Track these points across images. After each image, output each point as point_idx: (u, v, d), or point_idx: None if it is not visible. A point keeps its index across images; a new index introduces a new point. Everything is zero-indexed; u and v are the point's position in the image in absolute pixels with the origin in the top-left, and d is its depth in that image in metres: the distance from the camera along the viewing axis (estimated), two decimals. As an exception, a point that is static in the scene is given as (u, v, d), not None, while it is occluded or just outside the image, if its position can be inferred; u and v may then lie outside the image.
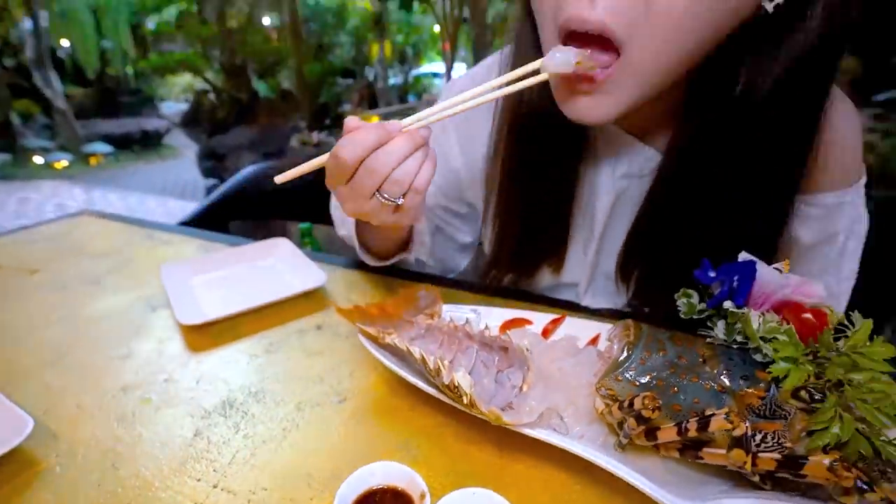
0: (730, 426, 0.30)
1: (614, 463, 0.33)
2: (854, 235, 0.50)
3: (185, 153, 7.96)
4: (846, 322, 0.33)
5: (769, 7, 0.35)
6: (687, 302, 0.39)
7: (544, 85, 0.40)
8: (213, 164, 5.53)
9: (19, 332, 0.57)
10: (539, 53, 0.41)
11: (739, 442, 0.30)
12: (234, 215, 1.34)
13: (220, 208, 1.29)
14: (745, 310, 0.34)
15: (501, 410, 0.34)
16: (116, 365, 0.50)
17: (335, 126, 7.12)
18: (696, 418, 0.31)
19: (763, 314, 0.34)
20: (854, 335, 0.32)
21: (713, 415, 0.31)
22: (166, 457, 0.38)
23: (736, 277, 0.36)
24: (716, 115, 0.41)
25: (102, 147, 7.96)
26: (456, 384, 0.34)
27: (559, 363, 0.38)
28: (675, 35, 0.34)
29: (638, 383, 0.34)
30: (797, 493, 0.31)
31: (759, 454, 0.30)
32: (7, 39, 7.51)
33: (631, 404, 0.32)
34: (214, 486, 0.35)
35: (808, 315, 0.34)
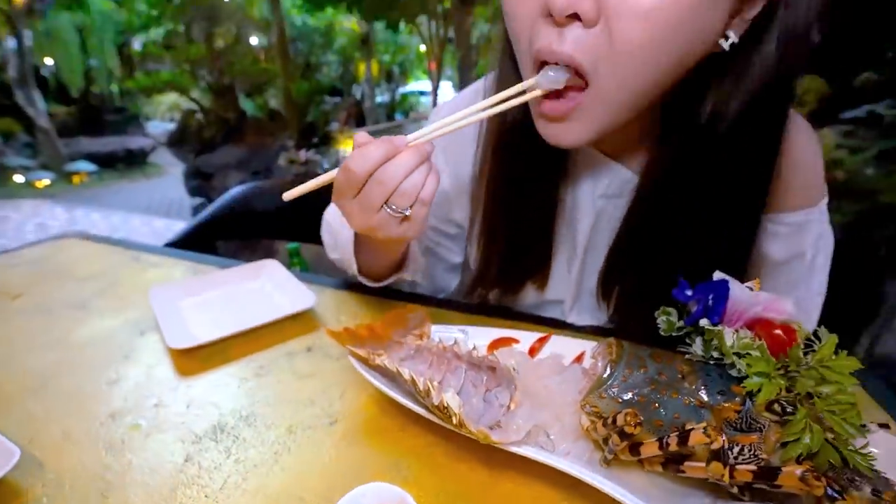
0: (707, 440, 0.31)
1: (600, 479, 0.34)
2: (821, 251, 0.53)
3: (170, 171, 7.90)
4: (813, 337, 0.35)
5: (725, 46, 0.38)
6: (666, 320, 0.40)
7: (527, 105, 0.42)
8: (200, 182, 5.50)
9: (2, 358, 0.56)
10: (520, 78, 0.43)
11: (717, 455, 0.32)
12: (222, 235, 1.34)
13: (207, 228, 1.29)
14: (719, 327, 0.36)
15: (490, 429, 0.35)
16: (104, 391, 0.50)
17: (323, 144, 7.16)
18: (677, 433, 0.33)
19: (737, 331, 0.36)
20: (821, 350, 0.34)
21: (692, 429, 0.32)
22: (157, 484, 0.38)
23: (711, 296, 0.37)
24: (687, 141, 0.44)
25: (86, 165, 7.87)
26: (445, 404, 0.35)
27: (545, 381, 0.40)
28: (637, 68, 0.37)
29: (621, 400, 0.35)
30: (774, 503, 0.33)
31: (737, 466, 0.32)
32: (-10, 58, 7.45)
33: (614, 421, 0.34)
34: (205, 513, 0.35)
35: (779, 331, 0.35)
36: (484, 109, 0.42)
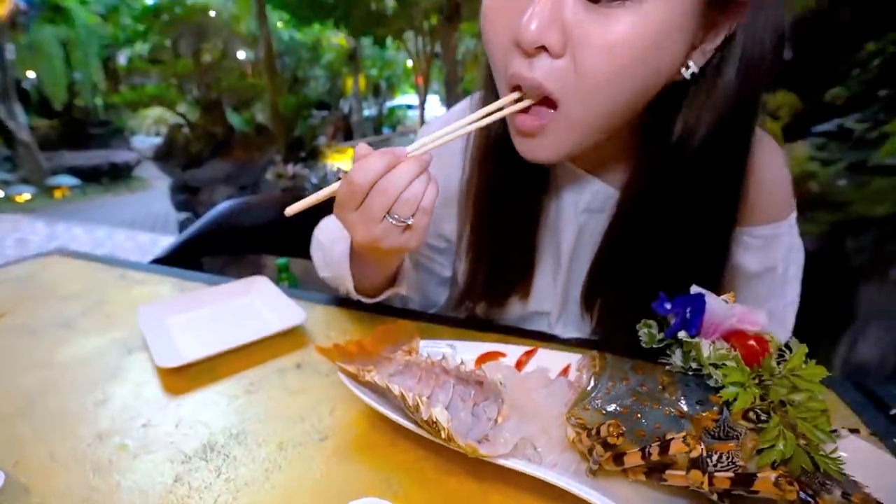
0: (687, 449, 0.32)
1: (586, 489, 0.35)
2: (793, 263, 0.55)
3: (155, 185, 7.82)
4: (784, 347, 0.36)
5: (686, 75, 0.41)
6: (647, 332, 0.42)
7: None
8: (187, 197, 5.46)
9: (-14, 380, 0.55)
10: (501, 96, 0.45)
11: (696, 463, 0.33)
12: (209, 251, 1.33)
13: (194, 244, 1.28)
14: (697, 339, 0.38)
15: (478, 443, 0.36)
16: (91, 411, 0.49)
17: (310, 158, 7.16)
18: (658, 443, 0.34)
19: (713, 342, 0.38)
20: (791, 359, 0.35)
21: (672, 439, 0.33)
22: (145, 505, 0.38)
23: (688, 309, 0.39)
24: (662, 160, 0.46)
25: (68, 180, 7.75)
26: (434, 419, 0.36)
27: (532, 395, 0.41)
28: (602, 97, 0.39)
29: (604, 412, 0.37)
30: (752, 510, 0.34)
31: (716, 474, 0.33)
32: (-31, 72, 7.35)
33: (598, 432, 0.35)
34: (196, 533, 0.35)
35: (752, 342, 0.37)
36: (471, 123, 0.44)
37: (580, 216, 0.57)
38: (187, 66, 7.97)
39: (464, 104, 0.63)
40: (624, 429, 0.34)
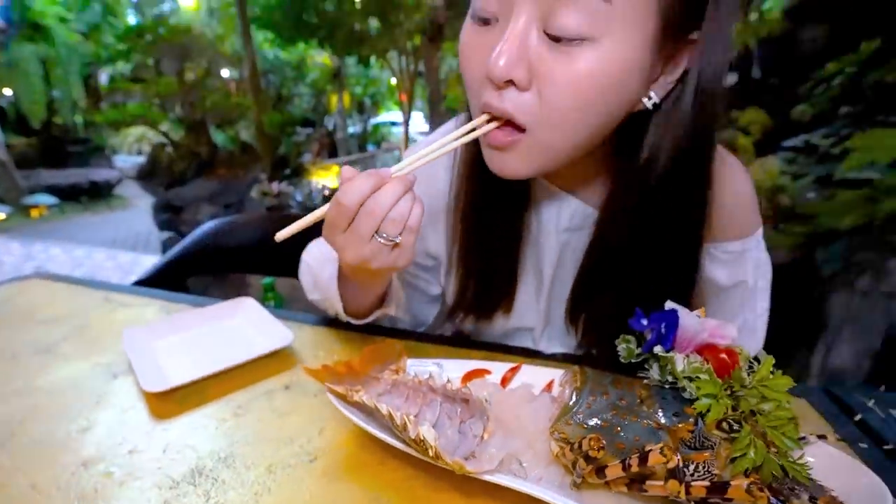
0: (664, 460, 0.34)
1: (571, 503, 0.36)
2: (761, 277, 0.58)
3: (137, 203, 7.70)
4: (753, 360, 0.38)
5: (648, 105, 0.44)
6: (626, 347, 0.43)
7: None
8: (170, 216, 5.39)
9: (-35, 409, 0.54)
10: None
11: (673, 473, 0.34)
12: (194, 271, 1.32)
13: (179, 265, 1.27)
14: (672, 353, 0.39)
15: (465, 460, 0.37)
16: (75, 439, 0.49)
17: (295, 176, 7.15)
18: (637, 454, 0.35)
19: (687, 356, 0.40)
20: (759, 370, 0.37)
21: (651, 450, 0.35)
22: (133, 532, 0.38)
23: (663, 325, 0.41)
24: (634, 181, 0.49)
25: (45, 198, 7.59)
26: (422, 437, 0.37)
27: (517, 411, 0.42)
28: (567, 126, 0.42)
29: (586, 426, 0.38)
30: (728, 517, 0.35)
31: (692, 483, 0.34)
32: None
33: (580, 446, 0.36)
34: (185, 559, 0.35)
35: (723, 355, 0.39)
36: (447, 144, 0.46)
37: (561, 235, 0.59)
38: (171, 84, 7.95)
39: (450, 124, 0.65)
40: (604, 442, 0.36)
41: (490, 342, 0.66)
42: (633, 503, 0.38)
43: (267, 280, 1.20)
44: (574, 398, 0.40)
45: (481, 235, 0.58)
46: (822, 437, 0.40)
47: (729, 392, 0.37)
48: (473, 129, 0.45)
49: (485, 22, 0.43)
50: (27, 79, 8.32)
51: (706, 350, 0.40)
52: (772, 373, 0.37)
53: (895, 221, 1.80)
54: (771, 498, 0.32)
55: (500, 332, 0.68)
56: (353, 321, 0.64)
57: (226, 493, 0.41)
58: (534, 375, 0.49)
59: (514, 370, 0.50)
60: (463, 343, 0.63)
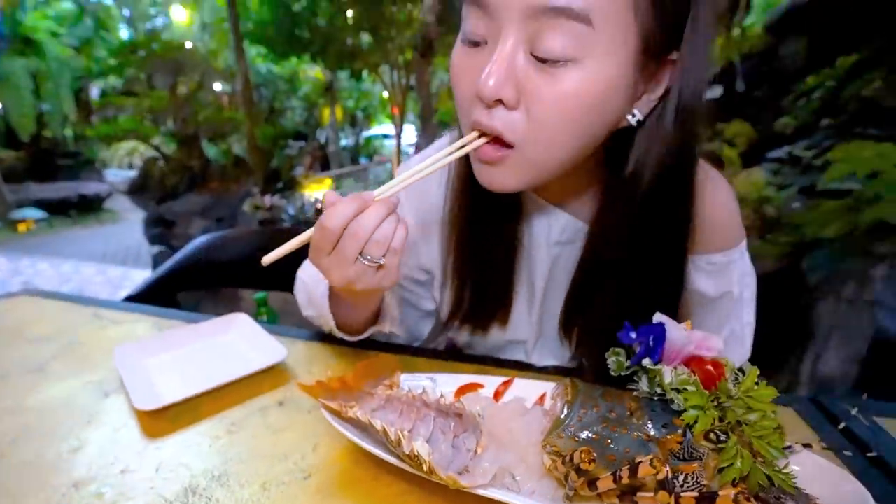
0: (654, 471, 0.35)
1: (563, 515, 0.36)
2: (746, 287, 0.60)
3: (127, 217, 7.64)
4: (738, 370, 0.39)
5: (632, 122, 0.45)
6: (616, 360, 0.44)
7: None
8: (162, 230, 5.35)
9: (-47, 430, 0.54)
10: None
11: (663, 484, 0.35)
12: (186, 286, 1.32)
13: (171, 280, 1.26)
14: (659, 366, 0.40)
15: (458, 474, 0.37)
16: (66, 459, 0.48)
17: (287, 189, 7.15)
18: (628, 466, 0.36)
19: (675, 368, 0.40)
20: (744, 381, 0.38)
21: (641, 462, 0.35)
22: (125, 554, 0.37)
23: (651, 337, 0.42)
24: (621, 196, 0.50)
25: (33, 213, 7.51)
26: (416, 453, 0.37)
27: (509, 424, 0.42)
28: (553, 143, 0.44)
29: (578, 439, 0.39)
30: (717, 527, 0.36)
31: (682, 494, 0.35)
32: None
33: (571, 458, 0.37)
34: (178, 580, 0.35)
35: (710, 367, 0.40)
36: (436, 162, 0.47)
37: (552, 248, 0.60)
38: (163, 98, 7.95)
39: (444, 140, 0.67)
40: (595, 455, 0.36)
41: (482, 356, 0.66)
42: (624, 515, 0.39)
43: (259, 295, 1.19)
44: (565, 411, 0.40)
45: (476, 246, 0.60)
46: (807, 445, 0.41)
47: (715, 403, 0.38)
48: (464, 146, 0.47)
49: (474, 44, 0.45)
50: (17, 92, 8.28)
51: (693, 362, 0.41)
52: (756, 383, 0.38)
53: (877, 230, 1.85)
54: (757, 507, 0.33)
55: (494, 344, 0.68)
56: (348, 338, 0.64)
57: (219, 511, 0.41)
58: (526, 389, 0.50)
59: (506, 384, 0.51)
60: (456, 357, 0.64)
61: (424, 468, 0.37)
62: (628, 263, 0.52)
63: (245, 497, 0.42)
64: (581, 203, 0.58)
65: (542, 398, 0.49)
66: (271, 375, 0.61)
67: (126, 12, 12.04)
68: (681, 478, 0.36)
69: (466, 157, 0.48)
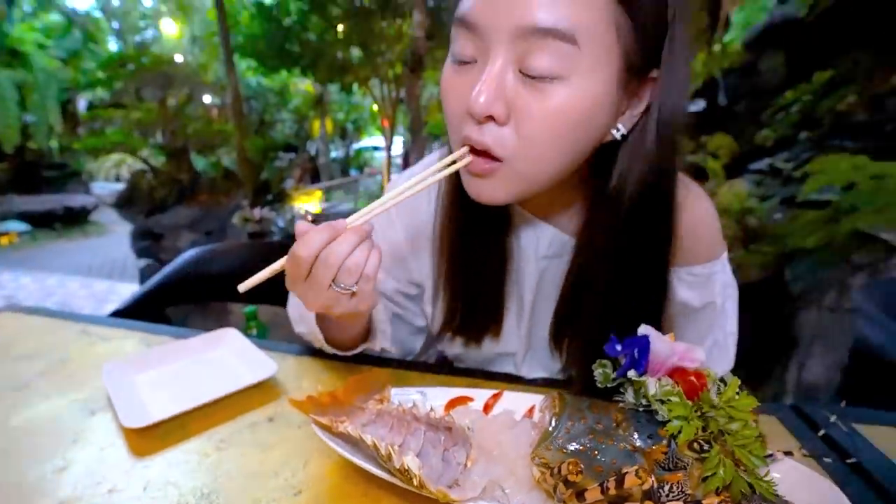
0: (640, 482, 0.35)
1: (552, 527, 0.37)
2: (729, 298, 0.61)
3: (114, 230, 7.53)
4: (720, 381, 0.40)
5: (617, 136, 0.47)
6: (602, 372, 0.45)
7: None
8: (150, 243, 5.29)
9: (-67, 451, 0.52)
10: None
11: (649, 495, 0.36)
12: (175, 300, 1.31)
13: (159, 294, 1.25)
14: (644, 377, 0.41)
15: (449, 488, 0.37)
16: (51, 479, 0.48)
17: (277, 202, 7.12)
18: (614, 477, 0.37)
19: (659, 380, 0.41)
20: (725, 392, 0.39)
21: (627, 473, 0.36)
22: (112, 575, 0.37)
23: (636, 350, 0.43)
24: (606, 209, 0.52)
25: (16, 225, 7.37)
26: (406, 467, 0.37)
27: (499, 437, 0.43)
28: (542, 158, 0.45)
29: (566, 450, 0.39)
30: (702, 535, 0.37)
31: (667, 503, 0.36)
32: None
33: (559, 470, 0.37)
34: None
35: (692, 377, 0.41)
36: (423, 180, 0.48)
37: (540, 262, 0.61)
38: (152, 111, 7.91)
39: (432, 157, 0.68)
40: (583, 466, 0.37)
41: (473, 369, 0.67)
42: (613, 526, 0.39)
43: (249, 308, 1.19)
44: (553, 423, 0.41)
45: (467, 258, 0.61)
46: (788, 453, 0.42)
47: (699, 413, 0.39)
48: (454, 162, 0.48)
49: (464, 63, 0.46)
50: (1, 103, 8.19)
51: (676, 373, 0.42)
52: (738, 393, 0.39)
53: (854, 240, 1.90)
54: (740, 515, 0.34)
55: (484, 357, 0.69)
56: (338, 353, 0.65)
57: (209, 530, 0.41)
58: (515, 401, 0.51)
59: (496, 397, 0.52)
60: (446, 370, 0.64)
61: (415, 482, 0.38)
62: (614, 276, 0.54)
63: (235, 515, 0.42)
64: (567, 217, 0.60)
65: (531, 411, 0.49)
66: (261, 391, 0.61)
67: (115, 25, 12.04)
68: (666, 487, 0.37)
69: (456, 172, 0.49)
